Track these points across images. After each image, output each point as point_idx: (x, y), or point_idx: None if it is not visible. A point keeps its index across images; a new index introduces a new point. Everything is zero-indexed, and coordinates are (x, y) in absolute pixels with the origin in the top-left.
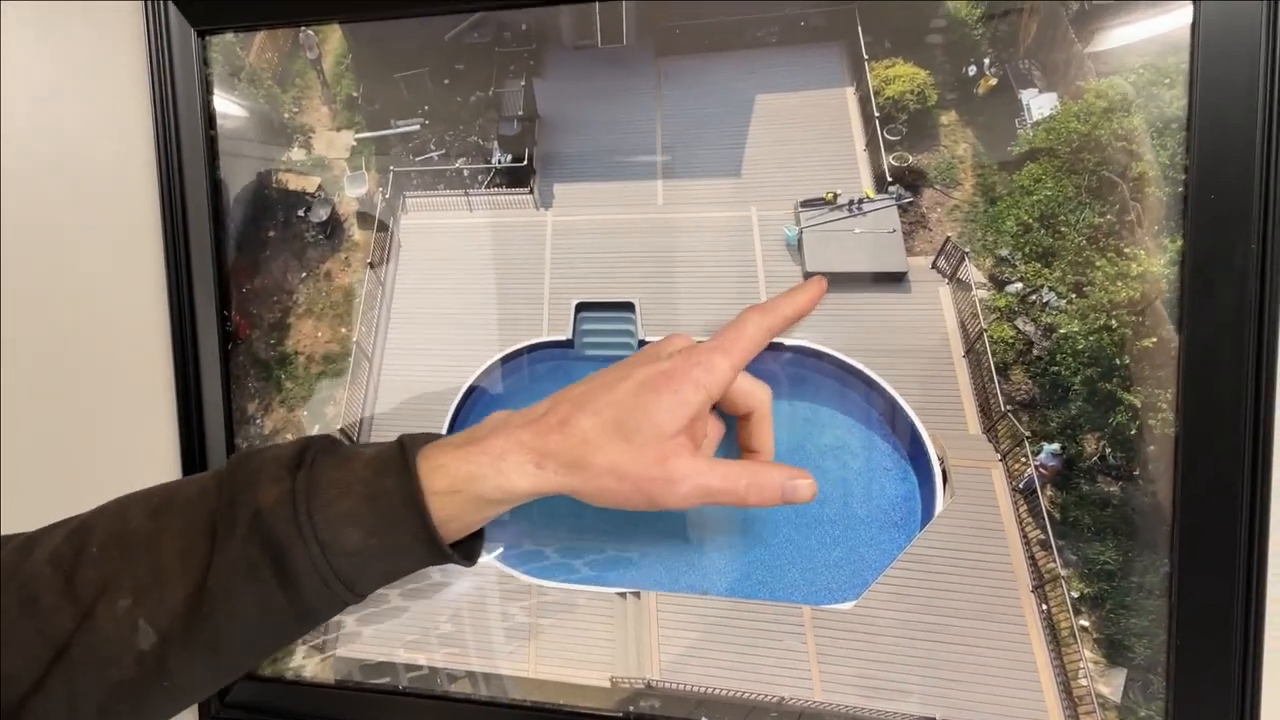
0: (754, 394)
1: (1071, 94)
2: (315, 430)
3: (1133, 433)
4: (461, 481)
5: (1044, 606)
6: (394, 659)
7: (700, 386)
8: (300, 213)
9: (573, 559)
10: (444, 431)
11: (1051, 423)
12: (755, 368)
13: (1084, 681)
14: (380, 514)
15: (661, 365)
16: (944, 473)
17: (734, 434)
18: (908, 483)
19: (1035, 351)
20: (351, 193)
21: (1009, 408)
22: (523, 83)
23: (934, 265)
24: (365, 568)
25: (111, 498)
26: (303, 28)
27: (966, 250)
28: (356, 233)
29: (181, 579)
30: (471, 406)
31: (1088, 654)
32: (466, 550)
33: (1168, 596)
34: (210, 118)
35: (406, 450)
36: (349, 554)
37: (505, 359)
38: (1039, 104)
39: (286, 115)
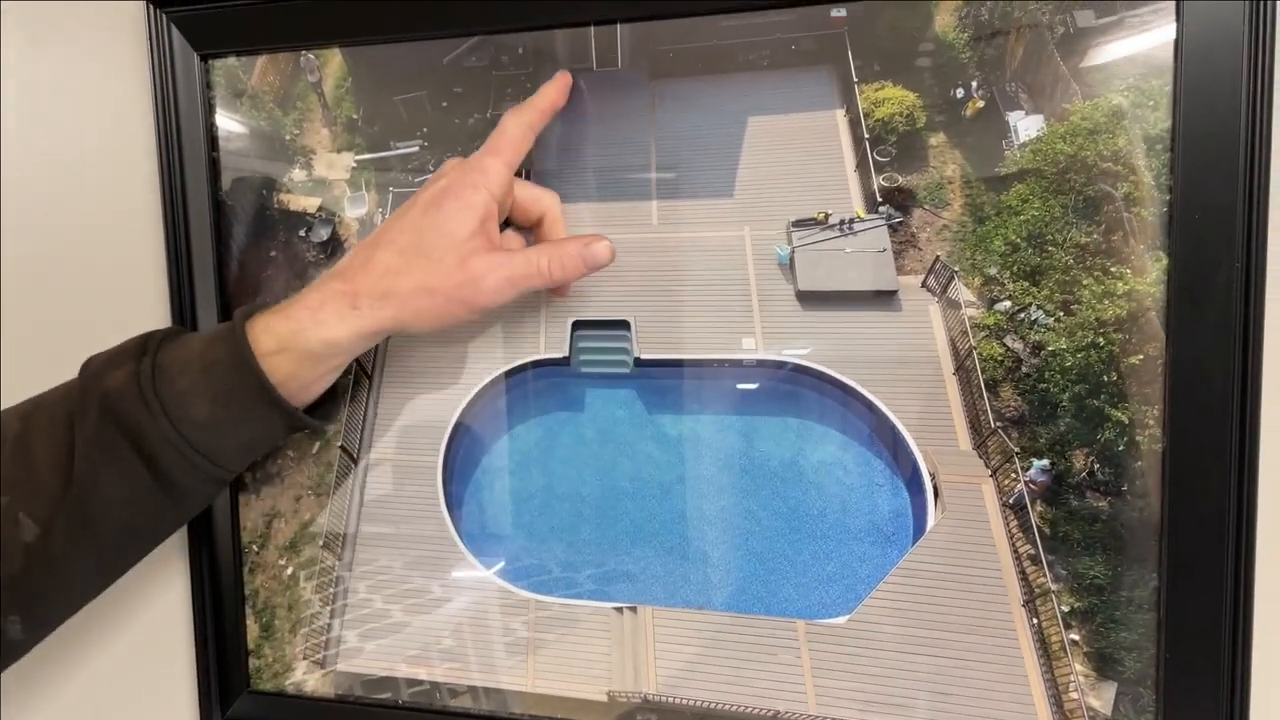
0: (540, 199)
1: (1057, 116)
2: (315, 449)
3: (1121, 449)
4: (287, 339)
5: (1035, 620)
6: (395, 674)
7: (478, 187)
8: (301, 233)
9: (574, 573)
10: (440, 455)
11: (1041, 439)
12: (738, 382)
13: (1075, 695)
14: (218, 382)
15: (440, 184)
16: (935, 488)
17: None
18: (900, 498)
19: (1024, 369)
20: (352, 213)
21: (999, 424)
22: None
23: (924, 284)
24: (221, 437)
25: None
26: (304, 51)
27: (955, 269)
28: None
29: (51, 469)
30: (469, 423)
31: (1078, 667)
32: (324, 413)
33: (1157, 610)
34: (213, 139)
35: (235, 320)
36: (200, 425)
37: (501, 376)
38: (1026, 126)
39: (288, 137)
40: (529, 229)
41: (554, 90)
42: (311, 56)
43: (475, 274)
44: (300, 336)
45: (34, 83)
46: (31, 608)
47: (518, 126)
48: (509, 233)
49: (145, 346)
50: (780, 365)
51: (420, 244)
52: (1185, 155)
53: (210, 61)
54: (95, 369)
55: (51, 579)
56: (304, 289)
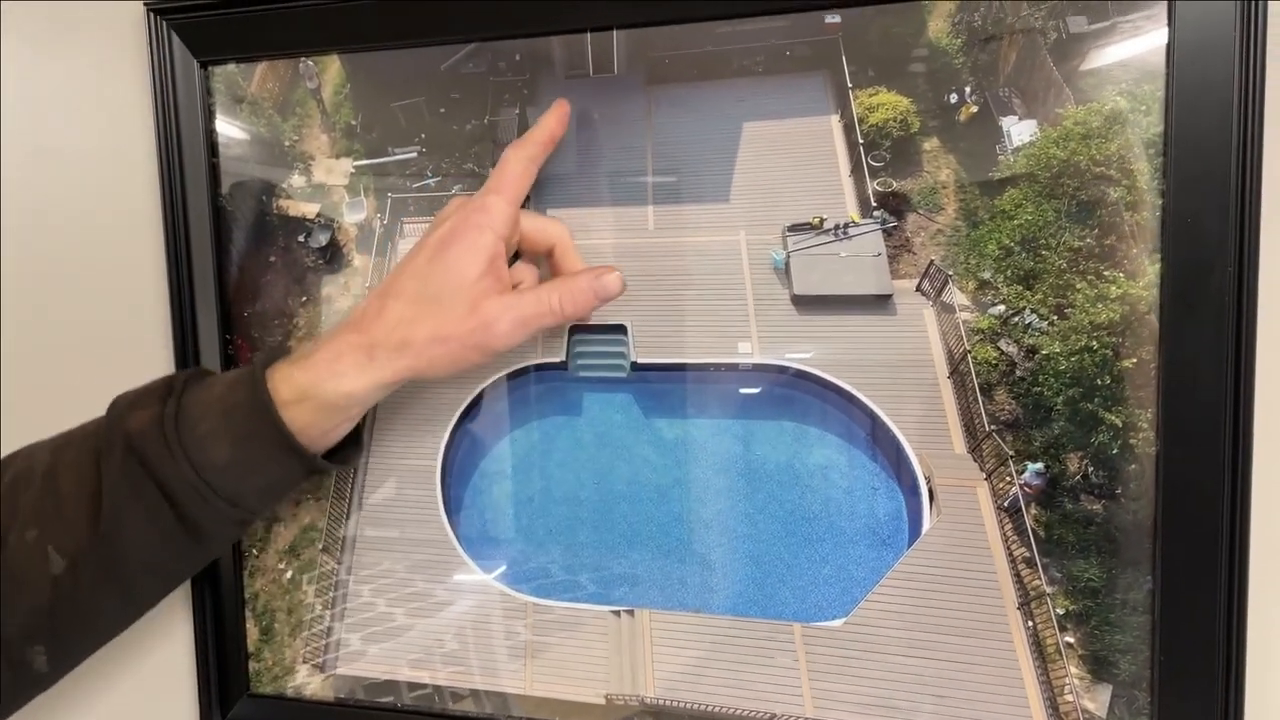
0: (548, 229)
1: (1050, 121)
2: None
3: (1114, 452)
4: (305, 389)
5: (1030, 623)
6: (394, 677)
7: (484, 228)
8: (300, 238)
9: (572, 576)
10: (439, 459)
11: (1035, 442)
12: (734, 386)
13: (1070, 697)
14: (238, 427)
15: (445, 226)
16: (930, 491)
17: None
18: (895, 501)
19: (1018, 372)
20: (350, 219)
21: (993, 427)
22: (517, 111)
23: (918, 288)
24: (242, 481)
25: None
26: (302, 58)
27: (950, 273)
28: (356, 258)
29: (79, 505)
30: (467, 427)
31: (1073, 670)
32: (343, 456)
33: (1151, 613)
34: (212, 146)
35: (256, 366)
36: (220, 468)
37: (499, 381)
38: (1019, 130)
39: (287, 143)
40: (541, 257)
41: (553, 120)
42: (310, 63)
43: (486, 319)
44: (318, 388)
45: (35, 88)
46: (57, 640)
47: (519, 161)
48: (520, 265)
49: (170, 388)
50: (776, 369)
51: (430, 290)
52: (1178, 159)
53: (210, 68)
54: (121, 408)
55: (76, 613)
56: (321, 337)
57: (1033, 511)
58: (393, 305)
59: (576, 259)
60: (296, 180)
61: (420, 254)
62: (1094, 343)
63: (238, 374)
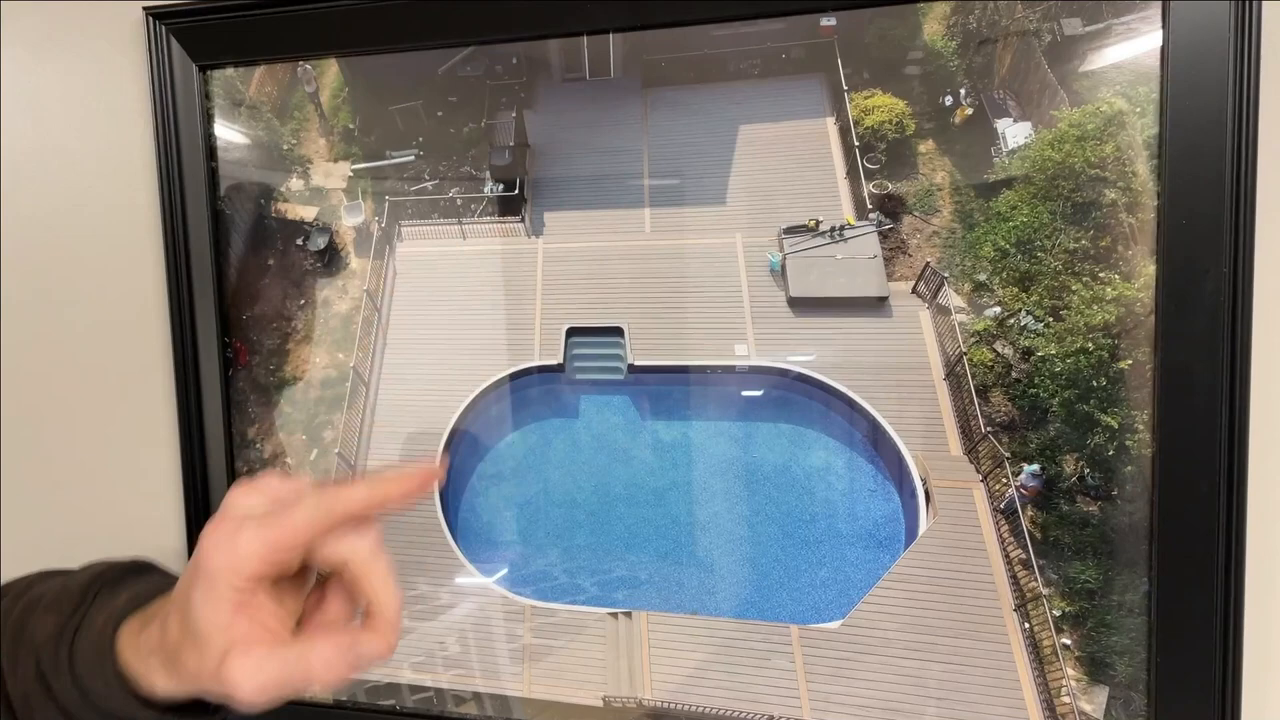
0: (337, 550)
1: (1045, 123)
2: (313, 455)
3: (1111, 453)
4: (141, 662)
5: (1026, 625)
6: (397, 679)
7: (218, 576)
8: (299, 241)
9: (570, 578)
10: (437, 460)
11: (1031, 444)
12: (731, 387)
13: (1067, 699)
14: (106, 672)
15: (198, 548)
16: (927, 493)
17: None
18: (891, 503)
19: (1014, 374)
20: (348, 222)
21: (989, 429)
22: (514, 114)
23: (914, 290)
24: (129, 711)
25: (114, 523)
26: (301, 62)
27: (946, 275)
28: (353, 260)
29: (21, 679)
30: (465, 430)
31: (1070, 672)
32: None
33: (1147, 614)
34: (211, 149)
35: (120, 617)
36: (101, 695)
37: (497, 383)
38: (1014, 133)
39: (285, 147)
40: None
41: (402, 483)
42: (308, 67)
43: (227, 682)
44: (141, 678)
45: (35, 91)
46: None
47: (312, 511)
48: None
49: (84, 598)
50: (773, 371)
51: (186, 621)
52: (1173, 161)
53: (208, 72)
54: (51, 600)
55: None
56: (162, 603)
57: (1029, 513)
58: (175, 615)
59: (374, 583)
60: (295, 183)
61: (189, 567)
62: (1090, 344)
63: (113, 613)
